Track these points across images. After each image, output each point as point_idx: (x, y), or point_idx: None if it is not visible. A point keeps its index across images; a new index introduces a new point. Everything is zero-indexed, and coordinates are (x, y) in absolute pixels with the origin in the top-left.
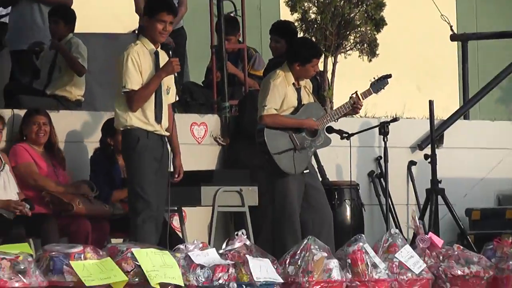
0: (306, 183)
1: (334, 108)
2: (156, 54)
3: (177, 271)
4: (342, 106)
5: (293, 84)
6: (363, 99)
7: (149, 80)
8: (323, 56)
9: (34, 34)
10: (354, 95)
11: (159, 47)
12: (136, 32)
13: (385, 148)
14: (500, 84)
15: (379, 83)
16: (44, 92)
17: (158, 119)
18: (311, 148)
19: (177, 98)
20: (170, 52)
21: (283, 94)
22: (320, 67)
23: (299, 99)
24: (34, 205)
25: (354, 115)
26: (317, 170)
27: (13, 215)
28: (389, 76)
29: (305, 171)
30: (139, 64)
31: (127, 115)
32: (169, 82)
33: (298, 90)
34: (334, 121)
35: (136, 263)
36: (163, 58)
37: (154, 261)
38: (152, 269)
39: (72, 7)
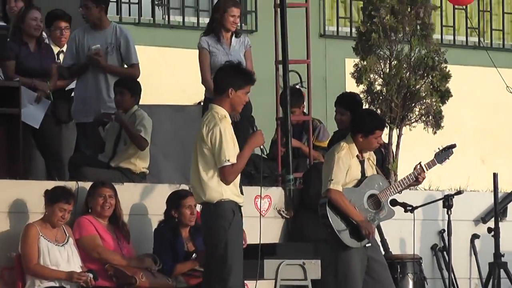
0: (369, 256)
1: (397, 180)
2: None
3: None
4: (405, 177)
5: (357, 156)
6: (427, 169)
7: (243, 153)
8: (388, 128)
9: (100, 106)
10: (418, 166)
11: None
12: (202, 103)
13: (449, 222)
14: None
15: (444, 154)
16: (109, 164)
17: (241, 191)
18: (374, 220)
19: None
20: (255, 125)
21: (347, 166)
22: (385, 139)
23: (363, 172)
24: (97, 276)
25: (418, 188)
26: (380, 243)
27: (76, 286)
28: (454, 146)
29: (367, 245)
30: (233, 136)
31: (221, 188)
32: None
33: (362, 163)
34: (398, 193)
35: None
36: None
37: None
38: None
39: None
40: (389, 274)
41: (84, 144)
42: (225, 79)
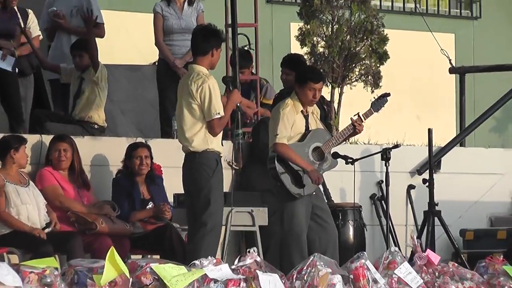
0: (313, 204)
1: (338, 131)
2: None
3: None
4: (345, 128)
5: (302, 111)
6: (365, 119)
7: (226, 109)
8: (330, 86)
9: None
10: (355, 116)
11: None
12: (156, 63)
13: (387, 173)
14: (494, 114)
15: (379, 102)
16: (71, 117)
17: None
18: (319, 171)
19: None
20: (230, 85)
21: (292, 122)
22: (327, 97)
23: (307, 126)
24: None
25: (358, 142)
26: (323, 192)
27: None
28: (388, 94)
29: (313, 193)
30: (218, 93)
31: (207, 139)
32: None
33: (306, 117)
34: (339, 144)
35: (155, 277)
36: None
37: (172, 273)
38: (171, 279)
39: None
40: (332, 221)
41: (55, 102)
42: (206, 41)
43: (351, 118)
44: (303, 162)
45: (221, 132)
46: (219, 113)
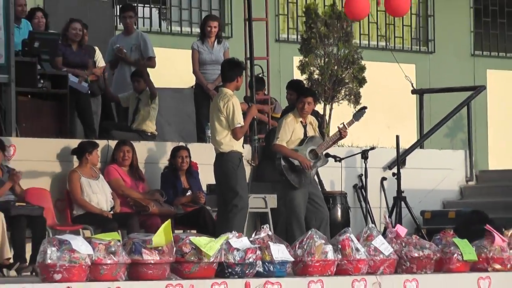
0: (310, 192)
1: (328, 137)
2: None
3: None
4: (333, 134)
5: (301, 121)
6: (348, 126)
7: (246, 120)
8: (322, 104)
9: (126, 87)
10: (341, 125)
11: None
12: (193, 87)
13: (365, 168)
14: (445, 124)
15: (359, 114)
16: (130, 127)
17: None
18: (314, 167)
19: None
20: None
21: (292, 129)
22: (321, 111)
23: (305, 133)
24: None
25: (343, 145)
26: (318, 182)
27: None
28: (365, 107)
29: (309, 183)
30: (240, 108)
31: (232, 143)
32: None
33: (304, 127)
34: (330, 146)
35: (192, 246)
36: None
37: (205, 242)
38: (205, 245)
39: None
40: (325, 205)
41: (119, 116)
42: (232, 70)
43: (338, 126)
44: (295, 155)
45: (242, 138)
46: (240, 123)
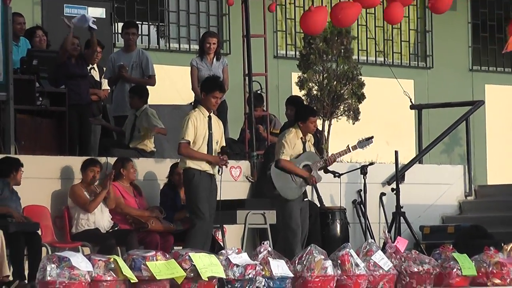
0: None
1: (328, 155)
2: (209, 118)
3: (220, 268)
4: (340, 152)
5: (301, 138)
6: (352, 150)
7: (202, 154)
8: (321, 120)
9: (126, 105)
10: (329, 155)
11: (211, 113)
12: (192, 103)
13: (364, 184)
14: (443, 140)
15: (364, 143)
16: (128, 145)
17: (209, 163)
18: (313, 175)
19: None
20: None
21: (293, 144)
22: (320, 127)
23: (304, 148)
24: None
25: (342, 161)
26: (317, 199)
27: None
28: (372, 137)
29: (305, 199)
30: (195, 125)
31: (186, 159)
32: (218, 137)
33: (304, 143)
34: (329, 163)
35: (192, 263)
36: (214, 121)
37: (204, 261)
38: (203, 267)
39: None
40: (307, 218)
41: (118, 132)
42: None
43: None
44: (300, 171)
45: (204, 151)
46: (184, 139)
